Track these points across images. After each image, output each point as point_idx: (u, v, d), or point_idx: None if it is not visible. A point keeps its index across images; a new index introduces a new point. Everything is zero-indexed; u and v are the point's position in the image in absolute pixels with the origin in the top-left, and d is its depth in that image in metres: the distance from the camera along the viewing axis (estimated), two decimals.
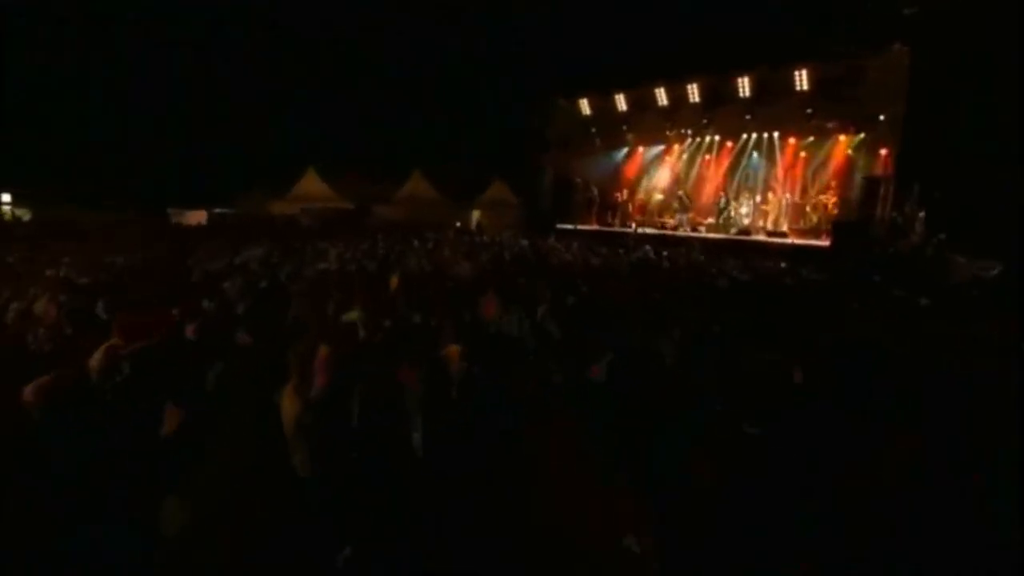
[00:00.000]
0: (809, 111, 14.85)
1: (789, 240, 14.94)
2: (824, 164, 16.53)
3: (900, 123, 12.88)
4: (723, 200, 17.25)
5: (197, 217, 27.87)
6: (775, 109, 15.45)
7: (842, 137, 15.74)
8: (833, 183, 16.23)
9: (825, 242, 15.02)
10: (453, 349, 3.83)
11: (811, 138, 16.35)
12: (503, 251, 11.75)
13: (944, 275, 10.80)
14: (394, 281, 7.64)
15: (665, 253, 11.42)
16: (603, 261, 9.62)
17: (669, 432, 2.90)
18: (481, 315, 5.23)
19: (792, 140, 16.95)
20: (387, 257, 9.42)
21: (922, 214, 13.16)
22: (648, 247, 12.49)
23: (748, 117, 16.12)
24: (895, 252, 12.87)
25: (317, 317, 5.82)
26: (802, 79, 14.40)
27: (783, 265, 10.16)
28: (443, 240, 13.86)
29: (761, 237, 15.74)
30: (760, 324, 5.46)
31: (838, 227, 13.52)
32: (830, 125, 15.17)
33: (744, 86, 15.50)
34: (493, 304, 5.34)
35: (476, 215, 28.20)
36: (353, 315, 5.51)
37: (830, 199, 16.21)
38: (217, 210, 28.81)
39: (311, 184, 30.52)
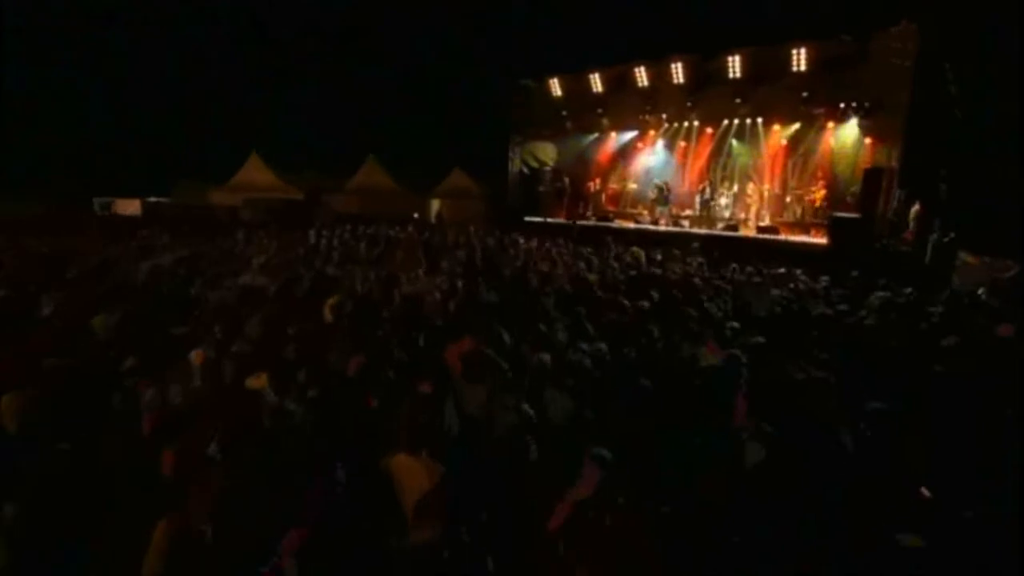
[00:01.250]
0: (805, 95, 13.55)
1: (781, 237, 13.70)
2: (812, 154, 15.38)
3: (906, 109, 11.69)
4: (707, 190, 15.88)
5: (130, 207, 25.11)
6: (767, 92, 14.10)
7: (831, 124, 14.58)
8: (820, 174, 15.11)
9: (818, 238, 13.93)
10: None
11: (797, 125, 15.15)
12: (473, 254, 9.95)
13: (948, 277, 9.69)
14: (330, 309, 5.76)
15: (658, 256, 9.87)
16: (599, 275, 7.96)
17: None
18: (455, 387, 3.48)
19: (776, 127, 15.72)
20: (321, 275, 7.48)
21: (915, 208, 12.12)
22: (637, 249, 10.93)
23: (738, 100, 14.71)
24: (883, 248, 11.80)
25: (209, 386, 3.97)
26: (799, 59, 13.05)
27: (800, 275, 8.74)
28: (397, 241, 11.92)
29: (751, 233, 14.46)
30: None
31: (837, 224, 12.31)
32: (824, 111, 13.94)
33: (734, 66, 14.05)
34: (474, 367, 3.62)
35: (436, 205, 26.24)
36: (260, 381, 3.70)
37: (818, 192, 15.10)
38: (153, 199, 25.97)
39: (255, 171, 27.84)
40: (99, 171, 27.29)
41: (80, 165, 27.70)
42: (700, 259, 9.78)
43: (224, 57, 28.94)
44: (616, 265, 8.63)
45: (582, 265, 9.07)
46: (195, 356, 4.20)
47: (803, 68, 13.17)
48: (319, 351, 4.63)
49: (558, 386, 3.68)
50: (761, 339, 4.93)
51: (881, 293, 7.26)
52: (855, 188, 13.54)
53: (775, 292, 6.78)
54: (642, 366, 4.02)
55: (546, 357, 3.89)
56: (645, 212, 18.01)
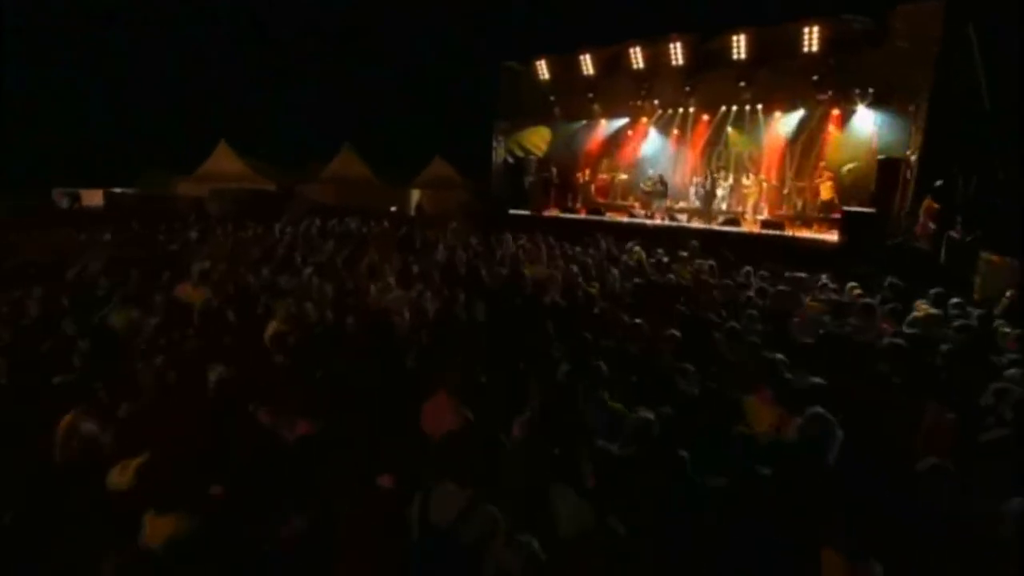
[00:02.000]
0: (816, 78, 12.46)
1: (788, 233, 12.67)
2: (816, 143, 14.38)
3: (927, 96, 10.69)
4: (708, 181, 14.80)
5: (94, 198, 23.50)
6: (773, 75, 13.01)
7: (837, 111, 13.58)
8: (824, 165, 14.12)
9: (823, 234, 12.97)
10: None
11: (801, 112, 14.12)
12: (453, 256, 8.74)
13: (967, 279, 8.72)
14: (270, 340, 4.57)
15: (665, 258, 8.74)
16: (599, 283, 6.83)
17: None
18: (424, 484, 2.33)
19: (778, 114, 14.69)
20: (270, 288, 6.25)
21: (926, 201, 11.21)
22: (635, 247, 9.81)
23: (741, 84, 13.58)
24: (897, 246, 10.87)
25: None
26: (811, 39, 11.94)
27: (827, 280, 7.70)
28: (371, 239, 10.66)
29: (755, 228, 13.42)
30: None
31: (850, 219, 11.32)
32: (831, 95, 12.90)
33: (739, 46, 12.91)
34: (456, 436, 2.49)
35: (416, 196, 24.91)
36: (123, 475, 2.53)
37: (824, 183, 14.12)
38: (117, 190, 24.38)
39: (223, 160, 26.13)
40: (62, 159, 25.49)
41: (41, 153, 25.85)
42: (710, 261, 8.69)
43: (224, 57, 27.20)
44: (616, 272, 7.49)
45: (575, 269, 7.94)
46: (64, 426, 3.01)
47: (815, 49, 12.08)
48: (244, 407, 3.44)
49: (571, 479, 2.54)
50: (818, 380, 3.85)
51: (927, 307, 6.25)
52: (866, 180, 12.59)
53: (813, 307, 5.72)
54: (690, 439, 2.89)
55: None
56: (637, 204, 16.93)
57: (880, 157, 11.61)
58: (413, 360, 3.97)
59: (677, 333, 4.61)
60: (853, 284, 7.44)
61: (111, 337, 4.58)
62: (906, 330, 4.78)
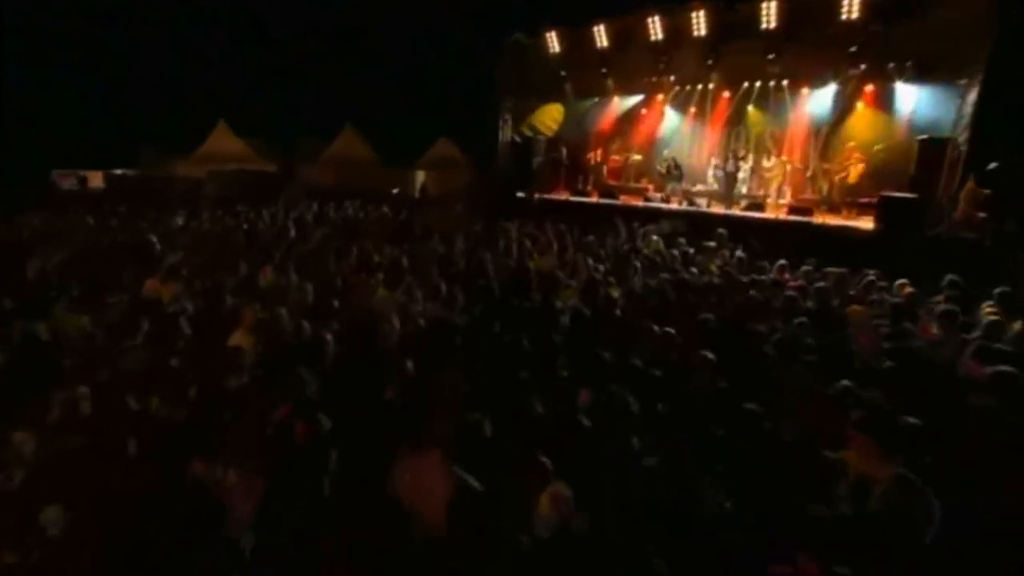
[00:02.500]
0: (854, 48, 11.38)
1: (817, 220, 11.71)
2: (845, 122, 13.34)
3: (984, 63, 9.63)
4: (729, 163, 13.81)
5: (94, 180, 22.85)
6: (806, 46, 11.92)
7: (870, 87, 12.51)
8: (854, 145, 13.09)
9: (853, 221, 11.99)
10: None
11: (832, 86, 13.03)
12: (452, 247, 7.92)
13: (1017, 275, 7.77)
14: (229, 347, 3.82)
15: (690, 249, 7.83)
16: (617, 278, 5.99)
17: None
18: None
19: (805, 91, 13.64)
20: (245, 286, 5.50)
21: (969, 184, 10.24)
22: (657, 238, 8.93)
23: (770, 57, 12.51)
24: (938, 236, 9.93)
25: None
26: (852, 4, 10.84)
27: (873, 277, 6.81)
28: (367, 226, 9.86)
29: (781, 215, 12.46)
30: None
31: (888, 205, 10.36)
32: (866, 69, 11.83)
33: (769, 13, 11.81)
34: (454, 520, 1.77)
35: (421, 177, 24.03)
36: None
37: (854, 166, 13.11)
38: (118, 172, 23.80)
39: (223, 140, 25.26)
40: (60, 141, 24.79)
41: (40, 134, 25.15)
42: (739, 252, 7.81)
43: (224, 57, 26.31)
44: (638, 265, 6.65)
45: (590, 263, 7.12)
46: None
47: (855, 16, 10.97)
48: (176, 452, 2.69)
49: None
50: (912, 420, 3.03)
51: (991, 310, 5.37)
52: (901, 162, 11.56)
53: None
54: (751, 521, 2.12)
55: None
56: (651, 187, 16.00)
57: (921, 137, 10.57)
58: (396, 390, 3.20)
59: (710, 355, 3.77)
60: (903, 281, 6.58)
61: (39, 351, 3.85)
62: (1002, 347, 3.91)
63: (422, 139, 24.82)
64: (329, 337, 3.74)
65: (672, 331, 4.22)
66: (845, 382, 3.40)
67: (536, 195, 15.33)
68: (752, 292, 5.46)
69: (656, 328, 4.12)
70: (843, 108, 13.15)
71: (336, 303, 5.38)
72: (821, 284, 6.38)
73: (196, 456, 2.63)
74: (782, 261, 7.42)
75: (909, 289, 6.34)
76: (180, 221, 10.90)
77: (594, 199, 15.36)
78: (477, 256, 6.99)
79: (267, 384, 3.30)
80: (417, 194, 22.03)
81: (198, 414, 3.02)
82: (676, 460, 2.57)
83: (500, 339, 3.71)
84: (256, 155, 24.81)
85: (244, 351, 3.67)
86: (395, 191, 20.64)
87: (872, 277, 6.67)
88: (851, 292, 6.13)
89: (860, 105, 12.99)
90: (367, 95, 25.89)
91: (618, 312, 4.93)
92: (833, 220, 11.94)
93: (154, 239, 8.07)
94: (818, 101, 13.49)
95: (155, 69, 26.24)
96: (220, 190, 19.53)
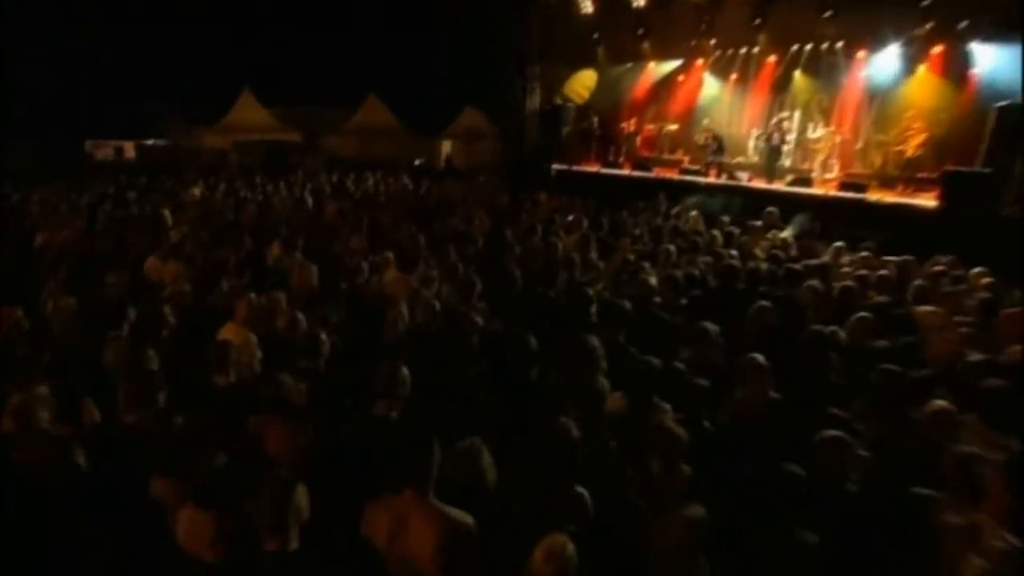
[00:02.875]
0: (925, 3, 10.23)
1: (872, 198, 10.75)
2: (903, 89, 12.17)
3: None
4: (775, 135, 12.83)
5: (128, 151, 23.08)
6: (870, 2, 10.79)
7: (938, 48, 11.31)
8: (913, 114, 11.92)
9: (910, 198, 10.99)
10: None
11: (895, 47, 11.83)
12: (471, 224, 7.39)
13: None
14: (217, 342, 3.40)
15: (735, 228, 7.10)
16: (651, 262, 5.41)
17: None
18: None
19: (861, 54, 12.48)
20: (251, 261, 5.09)
21: None
22: (695, 215, 8.21)
23: (827, 15, 11.40)
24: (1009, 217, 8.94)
25: None
26: None
27: (941, 266, 6.03)
28: (384, 200, 9.38)
29: (831, 191, 11.52)
30: None
31: (954, 180, 9.39)
32: (933, 27, 10.65)
33: None
34: None
35: (447, 148, 23.46)
36: None
37: (916, 138, 11.96)
38: (149, 142, 23.92)
39: (247, 110, 25.06)
40: (84, 111, 24.87)
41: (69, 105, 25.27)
42: (786, 233, 7.07)
43: (249, 24, 25.88)
44: (672, 248, 6.01)
45: (626, 242, 6.52)
46: None
47: None
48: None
49: None
50: None
51: None
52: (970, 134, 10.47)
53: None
54: None
55: None
56: (687, 159, 15.08)
57: (1000, 104, 9.47)
58: (394, 404, 2.73)
59: (761, 359, 3.18)
60: (981, 270, 5.80)
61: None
62: None
63: (448, 109, 24.11)
64: (324, 337, 3.28)
65: (716, 328, 3.66)
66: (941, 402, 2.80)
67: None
68: (811, 282, 4.78)
69: (708, 326, 3.54)
70: (904, 73, 11.99)
71: (344, 284, 4.98)
72: (883, 273, 5.65)
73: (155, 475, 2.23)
74: (839, 243, 6.67)
75: (987, 279, 5.58)
76: (197, 193, 10.61)
77: (626, 171, 14.57)
78: (499, 235, 6.46)
79: (247, 390, 2.88)
80: (442, 164, 21.52)
81: (165, 424, 2.62)
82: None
83: (520, 338, 3.20)
84: (280, 125, 24.57)
85: (233, 346, 3.26)
86: (418, 162, 20.12)
87: (943, 266, 5.88)
88: (919, 282, 5.38)
89: (923, 69, 11.80)
90: (391, 63, 25.13)
91: (657, 301, 4.37)
92: (890, 197, 10.97)
93: (166, 213, 7.77)
94: (877, 66, 12.32)
95: (186, 37, 25.94)
96: (244, 160, 19.43)
